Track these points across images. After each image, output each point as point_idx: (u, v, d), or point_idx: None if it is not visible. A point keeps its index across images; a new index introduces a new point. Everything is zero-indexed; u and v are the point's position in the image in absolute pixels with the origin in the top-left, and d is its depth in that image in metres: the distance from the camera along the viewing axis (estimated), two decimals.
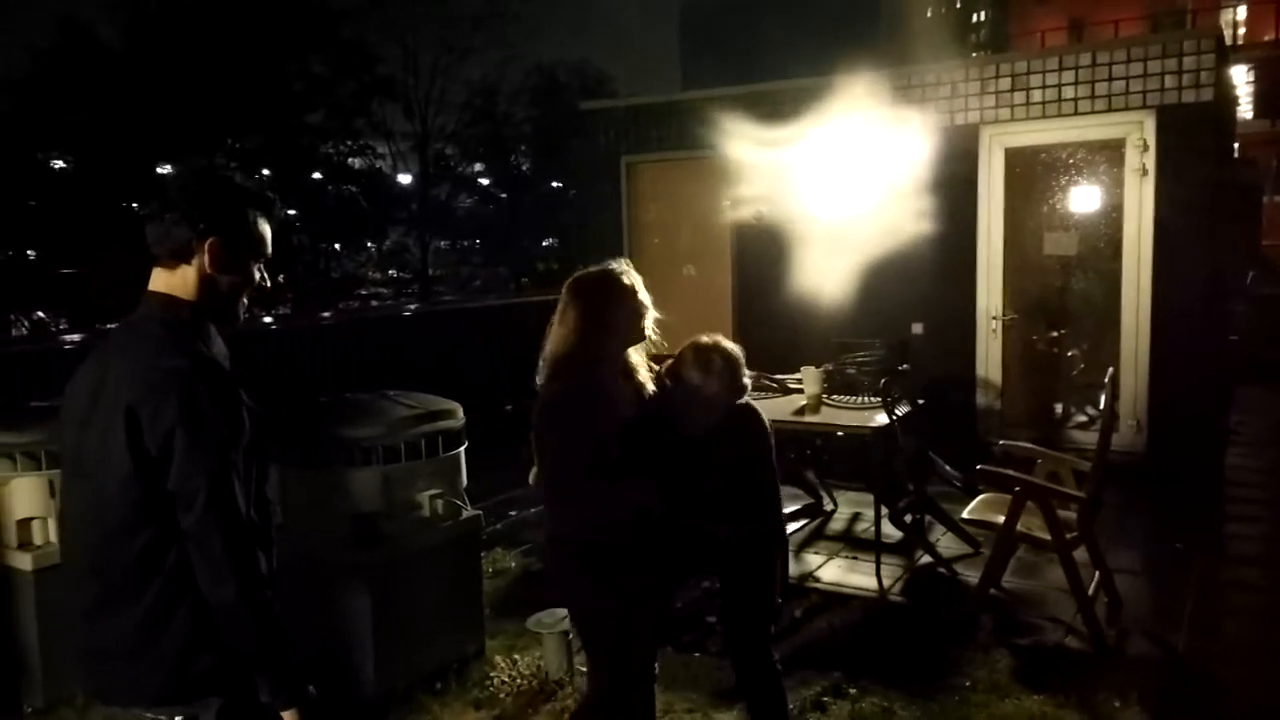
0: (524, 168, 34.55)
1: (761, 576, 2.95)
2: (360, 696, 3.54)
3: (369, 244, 32.28)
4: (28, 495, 3.59)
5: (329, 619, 3.58)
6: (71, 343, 7.06)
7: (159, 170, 25.45)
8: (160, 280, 1.85)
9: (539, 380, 2.72)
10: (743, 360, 2.89)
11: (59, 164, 25.78)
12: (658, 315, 2.78)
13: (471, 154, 33.45)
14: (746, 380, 2.91)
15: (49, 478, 3.55)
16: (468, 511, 3.93)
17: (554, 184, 33.63)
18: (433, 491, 3.69)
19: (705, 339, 2.89)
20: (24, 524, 3.63)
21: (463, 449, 3.89)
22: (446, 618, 3.84)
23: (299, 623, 3.72)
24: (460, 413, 3.88)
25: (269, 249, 1.93)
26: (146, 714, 1.84)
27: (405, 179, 32.75)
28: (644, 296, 2.74)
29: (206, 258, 1.83)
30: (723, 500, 2.84)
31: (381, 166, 31.16)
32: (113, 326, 1.94)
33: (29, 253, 26.09)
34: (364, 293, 31.61)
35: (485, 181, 34.69)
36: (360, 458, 3.54)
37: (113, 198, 24.11)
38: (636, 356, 2.79)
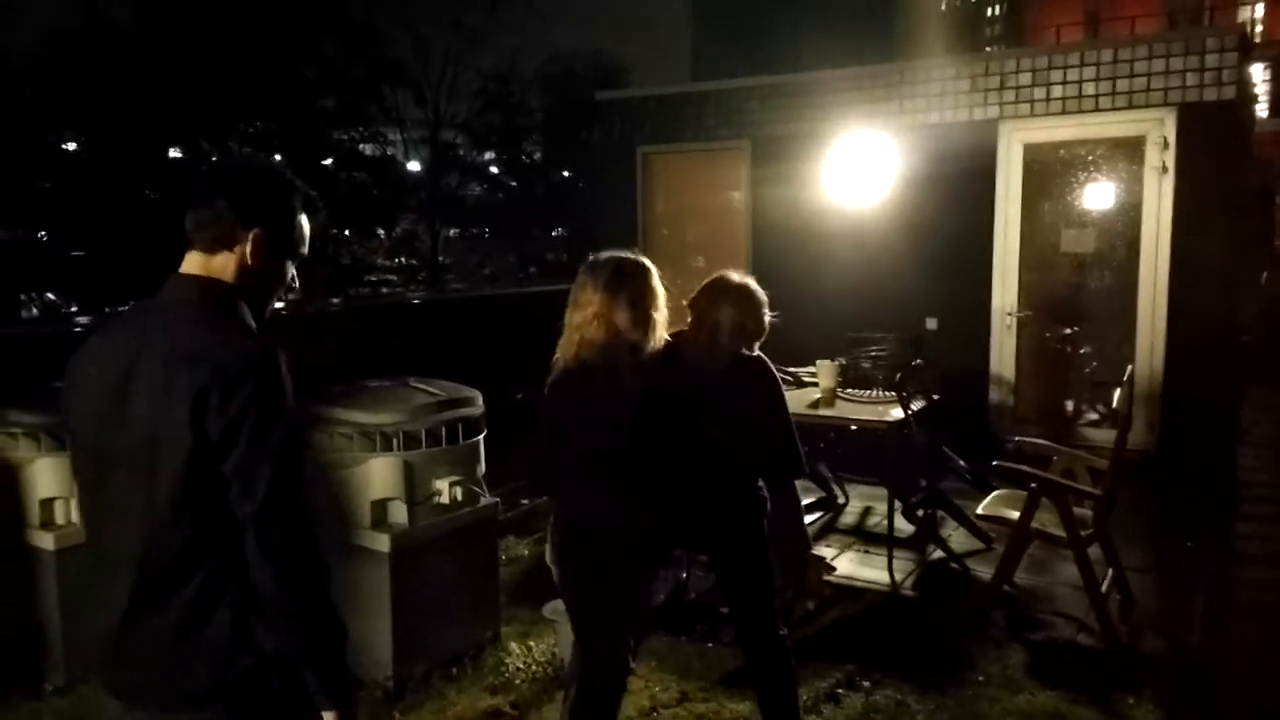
0: (535, 156, 34.53)
1: (752, 549, 2.98)
2: (378, 680, 3.57)
3: (379, 231, 32.26)
4: (51, 475, 3.62)
5: (348, 603, 3.59)
6: (82, 325, 7.11)
7: (171, 154, 25.50)
8: (195, 264, 1.78)
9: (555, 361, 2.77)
10: (766, 302, 2.96)
11: (71, 146, 25.79)
12: (669, 306, 2.81)
13: (483, 142, 33.43)
14: (767, 320, 2.95)
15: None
16: (485, 498, 3.96)
17: (565, 173, 33.61)
18: (452, 478, 3.71)
19: (734, 275, 2.95)
20: (47, 504, 3.66)
21: (482, 436, 3.91)
22: (463, 603, 3.87)
23: None
24: (480, 400, 3.90)
25: (305, 250, 1.88)
26: (183, 716, 1.73)
27: (415, 166, 32.77)
28: (657, 284, 2.77)
29: (249, 248, 1.77)
30: (743, 446, 2.90)
31: (394, 154, 31.17)
32: (126, 309, 1.84)
33: (40, 234, 26.13)
34: (373, 279, 31.67)
35: (495, 170, 34.67)
36: (382, 443, 3.56)
37: (124, 181, 24.15)
38: (649, 338, 2.77)
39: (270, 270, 1.81)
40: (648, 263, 2.79)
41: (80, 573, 3.54)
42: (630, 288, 2.71)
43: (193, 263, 1.78)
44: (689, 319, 2.97)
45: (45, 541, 3.61)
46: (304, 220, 1.85)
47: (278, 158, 25.43)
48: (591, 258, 2.79)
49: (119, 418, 1.69)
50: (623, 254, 2.78)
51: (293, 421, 1.70)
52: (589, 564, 2.77)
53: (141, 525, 1.67)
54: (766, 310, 2.96)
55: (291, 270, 1.88)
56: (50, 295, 25.76)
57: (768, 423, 2.96)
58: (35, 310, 24.72)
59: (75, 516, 3.64)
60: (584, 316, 2.69)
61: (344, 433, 3.59)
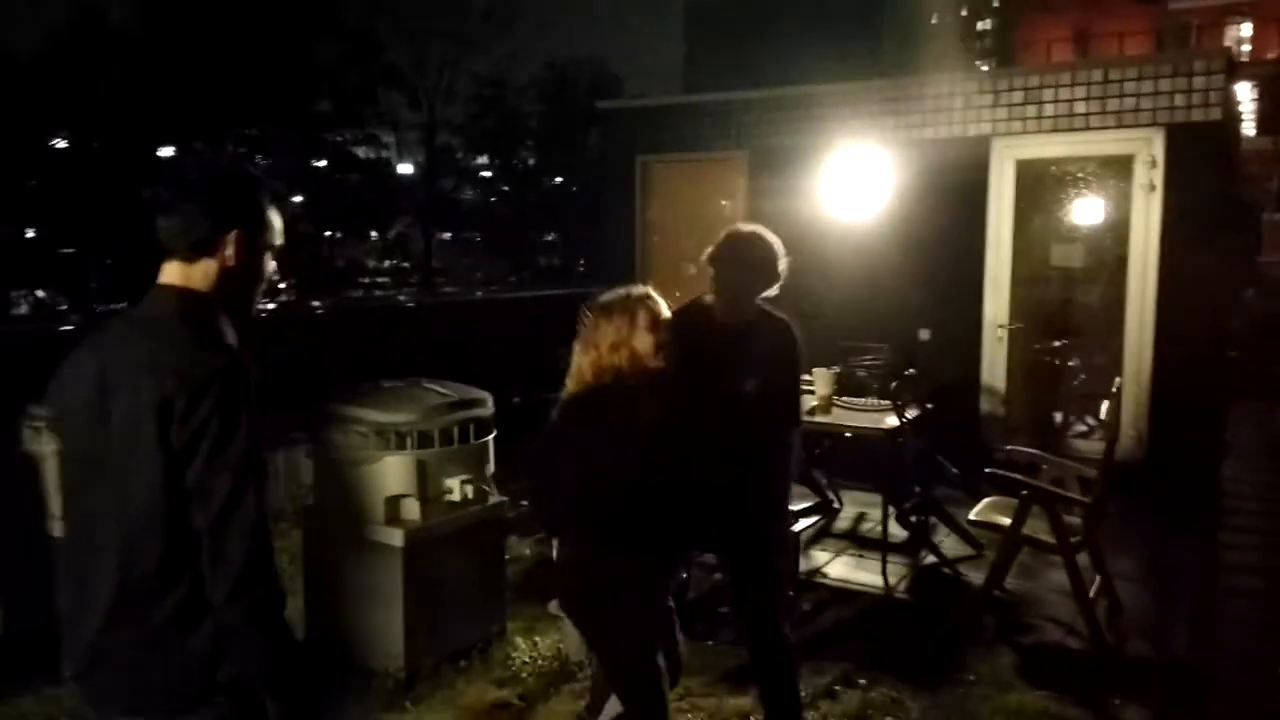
0: (530, 162, 34.66)
1: (765, 549, 3.08)
2: (390, 670, 3.66)
3: (373, 233, 32.35)
4: None
5: (362, 596, 3.71)
6: (72, 324, 7.16)
7: (160, 153, 25.49)
8: (175, 274, 1.77)
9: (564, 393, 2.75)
10: (777, 249, 3.12)
11: (61, 143, 25.79)
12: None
13: (477, 146, 33.56)
14: (782, 266, 3.12)
15: None
16: (494, 497, 4.06)
17: (558, 180, 33.75)
18: (463, 476, 3.82)
19: (744, 228, 3.13)
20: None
21: (491, 437, 4.02)
22: (472, 598, 3.98)
23: (332, 600, 3.83)
24: (490, 402, 4.01)
25: (280, 239, 1.88)
26: None
27: (409, 169, 32.85)
28: (664, 315, 2.77)
29: (230, 250, 1.76)
30: (756, 404, 3.01)
31: (388, 157, 31.26)
32: (110, 317, 1.83)
33: (28, 232, 26.09)
34: (365, 281, 31.73)
35: (489, 175, 34.79)
36: (396, 442, 3.67)
37: (116, 179, 24.15)
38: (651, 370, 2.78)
39: (252, 267, 1.82)
40: (656, 302, 2.78)
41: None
42: (646, 310, 2.72)
43: (172, 273, 1.78)
44: (711, 275, 3.10)
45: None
46: (273, 210, 1.85)
47: (260, 160, 25.46)
48: (598, 300, 2.79)
49: (99, 429, 1.70)
50: (633, 291, 2.78)
51: (255, 436, 1.67)
52: (611, 614, 2.70)
53: (121, 535, 1.67)
54: (779, 257, 3.11)
55: (271, 264, 1.88)
56: (40, 293, 25.69)
57: (779, 375, 3.11)
58: (25, 307, 24.65)
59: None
60: (600, 351, 2.68)
61: (360, 431, 3.69)
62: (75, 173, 23.93)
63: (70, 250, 24.97)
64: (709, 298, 3.17)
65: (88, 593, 1.71)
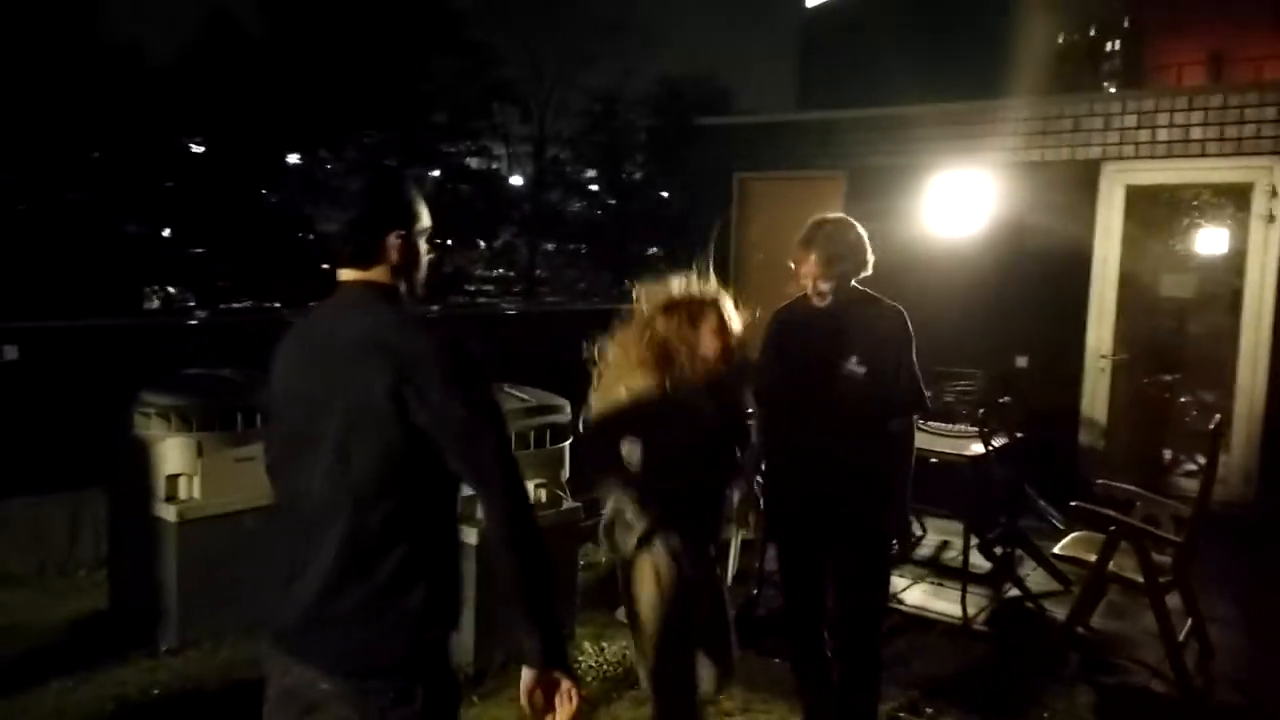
0: (636, 175, 35.00)
1: (870, 552, 3.08)
2: (461, 665, 3.78)
3: (480, 242, 33.12)
4: (178, 453, 3.95)
5: None
6: (198, 319, 7.57)
7: (287, 159, 26.69)
8: (351, 275, 1.90)
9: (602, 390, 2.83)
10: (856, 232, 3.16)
11: (196, 148, 27.21)
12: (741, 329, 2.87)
13: (586, 159, 34.06)
14: (860, 240, 3.15)
15: (197, 439, 3.90)
16: (568, 503, 4.15)
17: (663, 193, 33.96)
18: (538, 480, 3.92)
19: (818, 217, 3.17)
20: (172, 479, 3.99)
21: (568, 443, 4.11)
22: None
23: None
24: (568, 408, 4.10)
25: (432, 228, 2.00)
26: (369, 683, 1.79)
27: (519, 181, 33.54)
28: (726, 308, 2.81)
29: (395, 253, 1.89)
30: (867, 387, 3.01)
31: (498, 168, 32.00)
32: (312, 309, 1.97)
33: (164, 232, 27.61)
34: (471, 289, 32.50)
35: (596, 188, 35.26)
36: None
37: (244, 182, 25.39)
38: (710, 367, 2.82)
39: (414, 260, 1.95)
40: (712, 291, 2.83)
41: (204, 544, 3.87)
42: (715, 312, 2.77)
43: (348, 275, 1.91)
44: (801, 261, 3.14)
45: (169, 514, 3.93)
46: (422, 204, 1.97)
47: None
48: (653, 289, 2.84)
49: (316, 401, 1.82)
50: (686, 286, 2.83)
51: (488, 387, 1.84)
52: (652, 595, 2.76)
53: (346, 502, 1.78)
54: (858, 237, 3.14)
55: (429, 253, 2.00)
56: (170, 289, 27.10)
57: (890, 356, 3.11)
58: (156, 302, 26.03)
59: (197, 492, 3.97)
60: (658, 350, 2.73)
61: None
62: (207, 175, 25.22)
63: (200, 250, 26.31)
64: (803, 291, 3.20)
65: (306, 558, 1.82)
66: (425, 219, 1.98)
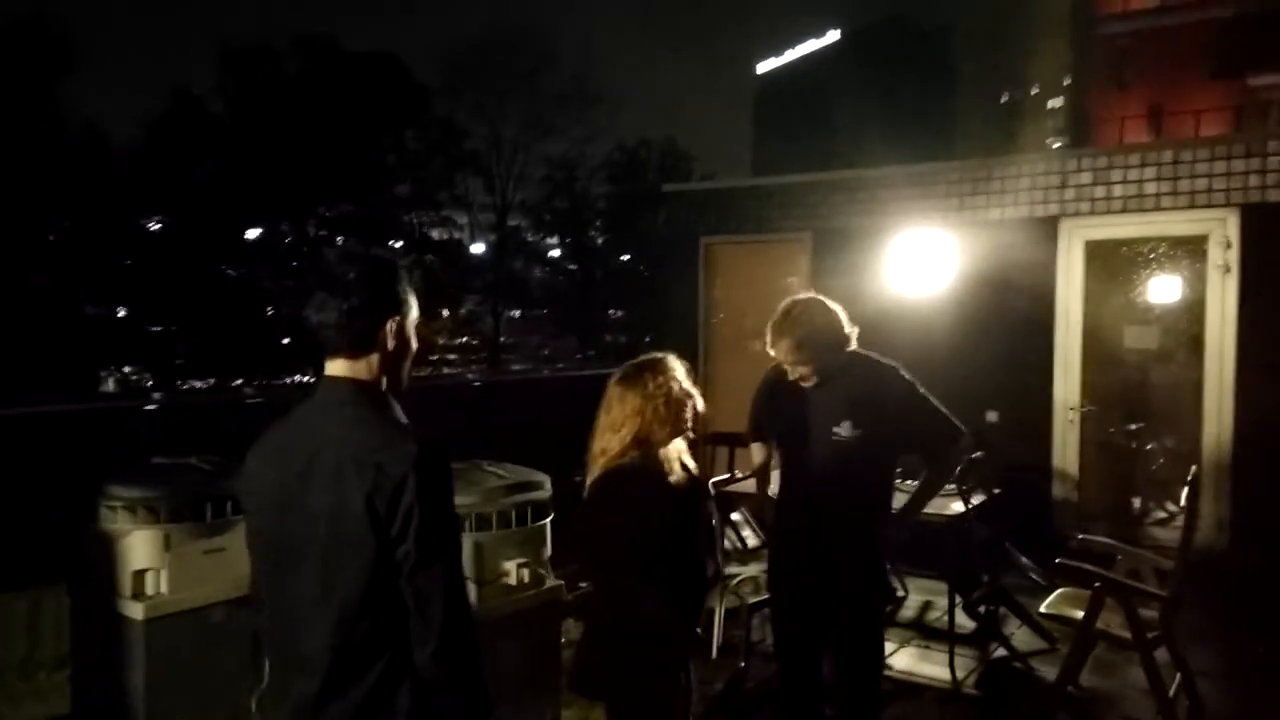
0: (598, 241, 35.32)
1: (874, 631, 3.03)
2: None
3: (444, 311, 33.09)
4: (145, 547, 3.81)
5: None
6: (156, 402, 7.45)
7: (247, 234, 26.59)
8: (342, 368, 1.87)
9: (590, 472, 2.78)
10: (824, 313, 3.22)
11: (155, 226, 27.07)
12: (703, 405, 2.84)
13: (547, 226, 34.34)
14: (839, 320, 3.22)
15: (165, 531, 3.78)
16: (550, 581, 4.06)
17: (625, 257, 34.26)
18: (520, 560, 3.83)
19: (783, 304, 3.24)
20: (139, 575, 3.84)
21: (549, 520, 4.03)
22: (527, 683, 3.94)
23: None
24: (548, 484, 4.03)
25: (417, 310, 2.00)
26: None
27: (480, 249, 33.69)
28: (688, 387, 2.79)
29: (389, 340, 1.88)
30: (860, 448, 3.07)
31: (460, 237, 32.16)
32: (294, 411, 1.94)
33: (120, 311, 27.28)
34: (434, 358, 32.32)
35: (558, 254, 35.50)
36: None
37: (204, 259, 25.22)
38: (679, 444, 2.81)
39: (406, 350, 1.95)
40: (678, 368, 2.80)
41: (172, 641, 3.73)
42: (664, 377, 2.74)
43: (339, 367, 1.88)
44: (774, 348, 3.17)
45: (135, 611, 3.77)
46: (410, 291, 1.97)
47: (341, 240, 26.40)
48: (622, 368, 2.83)
49: (299, 516, 1.81)
50: (655, 359, 2.81)
51: (453, 514, 1.83)
52: (632, 684, 2.79)
53: (326, 620, 1.78)
54: (828, 316, 3.17)
55: (415, 337, 2.00)
56: (127, 369, 26.69)
57: (910, 407, 3.16)
58: (112, 384, 25.57)
59: (165, 587, 3.83)
60: (616, 422, 2.71)
61: None
62: (166, 253, 25.06)
63: (158, 328, 26.01)
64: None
65: (301, 662, 1.82)
66: (415, 308, 1.97)
